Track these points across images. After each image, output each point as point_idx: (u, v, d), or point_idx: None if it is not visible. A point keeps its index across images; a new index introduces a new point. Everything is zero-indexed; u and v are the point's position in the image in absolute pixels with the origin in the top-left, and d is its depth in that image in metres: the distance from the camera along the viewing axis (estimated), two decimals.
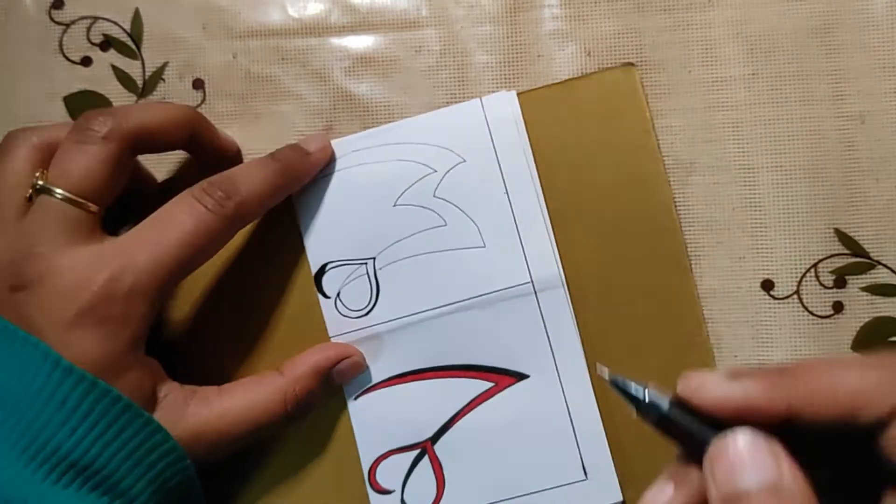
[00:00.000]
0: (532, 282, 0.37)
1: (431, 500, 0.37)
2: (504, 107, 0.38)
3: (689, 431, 0.25)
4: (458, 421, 0.37)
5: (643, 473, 0.36)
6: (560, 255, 0.38)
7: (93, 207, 0.32)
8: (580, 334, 0.37)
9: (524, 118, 0.38)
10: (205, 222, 0.33)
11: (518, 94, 0.39)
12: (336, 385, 0.38)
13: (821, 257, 0.38)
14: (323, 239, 0.38)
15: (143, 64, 0.41)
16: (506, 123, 0.38)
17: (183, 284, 0.38)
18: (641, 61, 0.39)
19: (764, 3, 0.39)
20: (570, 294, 0.37)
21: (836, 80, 0.39)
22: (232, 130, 0.40)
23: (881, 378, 0.24)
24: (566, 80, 0.39)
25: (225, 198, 0.33)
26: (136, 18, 0.41)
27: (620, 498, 0.37)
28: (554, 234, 0.38)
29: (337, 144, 0.39)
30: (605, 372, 0.26)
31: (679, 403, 0.25)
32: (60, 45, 0.41)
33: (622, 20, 0.40)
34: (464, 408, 0.38)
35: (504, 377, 0.37)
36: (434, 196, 0.38)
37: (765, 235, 0.39)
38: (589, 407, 0.37)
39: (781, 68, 0.39)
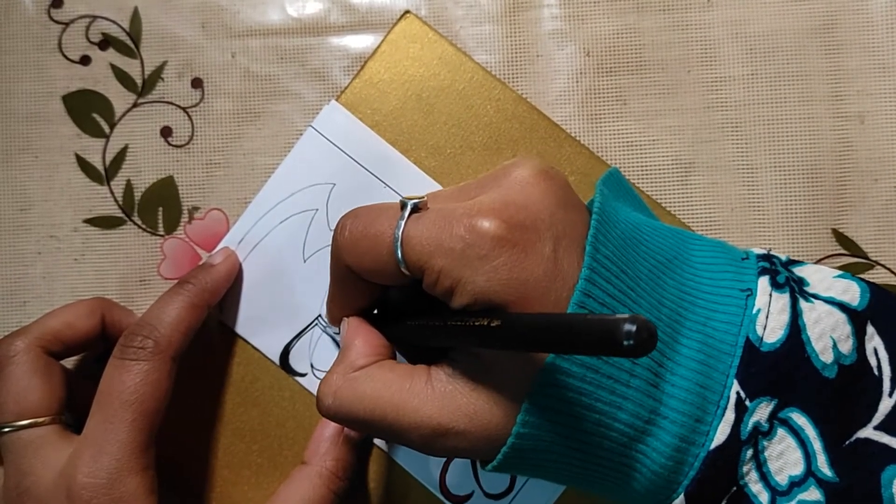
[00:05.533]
0: None
1: None
2: (335, 118, 0.39)
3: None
4: None
5: None
6: None
7: (42, 420, 0.33)
8: None
9: (358, 116, 0.39)
10: (140, 372, 0.33)
11: (338, 99, 0.39)
12: (359, 439, 0.37)
13: (819, 257, 0.38)
14: (265, 329, 0.38)
15: (142, 63, 0.41)
16: (345, 130, 0.39)
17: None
18: (641, 61, 0.39)
19: (763, 3, 0.39)
20: None
21: (836, 80, 0.39)
22: (231, 129, 0.40)
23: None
24: (366, 63, 0.39)
25: (145, 339, 0.33)
26: (135, 17, 0.41)
27: None
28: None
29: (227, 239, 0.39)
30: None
31: None
32: (59, 44, 0.41)
33: (622, 20, 0.40)
34: None
35: None
36: (331, 229, 0.38)
37: (763, 235, 0.39)
38: None
39: (781, 68, 0.39)
